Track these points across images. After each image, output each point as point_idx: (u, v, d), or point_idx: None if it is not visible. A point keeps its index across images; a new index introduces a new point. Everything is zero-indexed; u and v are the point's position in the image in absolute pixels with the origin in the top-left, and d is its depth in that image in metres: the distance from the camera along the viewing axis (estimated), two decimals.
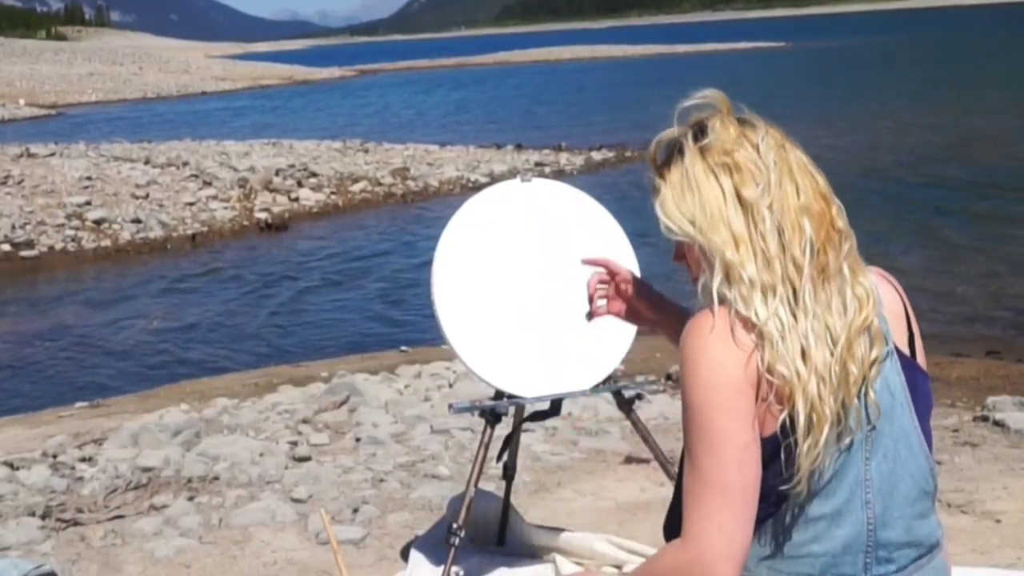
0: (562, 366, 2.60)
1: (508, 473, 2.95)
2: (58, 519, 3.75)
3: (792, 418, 1.62)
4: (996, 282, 9.48)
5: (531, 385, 2.57)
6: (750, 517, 1.60)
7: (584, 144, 21.49)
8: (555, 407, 2.79)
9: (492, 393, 2.63)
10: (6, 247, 12.90)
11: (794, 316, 1.65)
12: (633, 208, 14.00)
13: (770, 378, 1.62)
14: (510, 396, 2.58)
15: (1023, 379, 6.64)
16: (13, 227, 13.28)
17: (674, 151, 1.80)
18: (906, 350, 1.79)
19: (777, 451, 1.62)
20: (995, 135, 19.56)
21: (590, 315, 2.18)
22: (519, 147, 21.37)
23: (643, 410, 4.89)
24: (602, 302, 2.21)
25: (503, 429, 3.10)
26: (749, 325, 1.65)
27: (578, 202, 2.79)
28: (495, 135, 24.31)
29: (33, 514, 3.80)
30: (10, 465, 4.56)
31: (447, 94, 46.28)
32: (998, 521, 3.35)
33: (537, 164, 18.65)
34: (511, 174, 14.92)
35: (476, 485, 2.62)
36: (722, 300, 1.67)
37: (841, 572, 1.65)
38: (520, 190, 2.76)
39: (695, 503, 1.61)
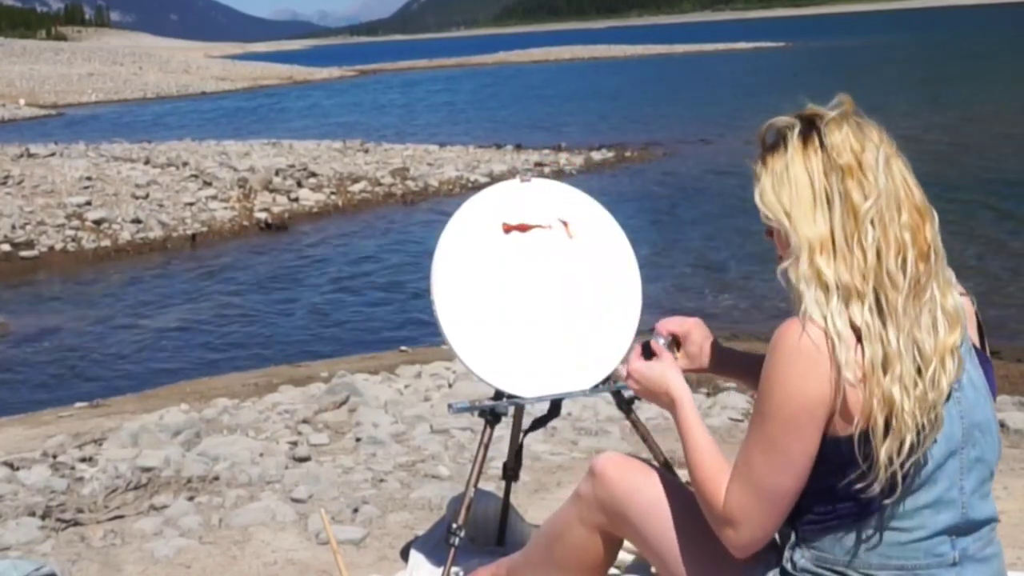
0: (562, 366, 2.60)
1: (508, 473, 2.95)
2: (58, 519, 3.75)
3: (871, 426, 1.71)
4: (996, 282, 9.49)
5: (531, 385, 2.57)
6: (781, 515, 1.79)
7: (584, 144, 21.48)
8: (555, 407, 2.79)
9: (492, 393, 2.63)
10: (6, 247, 12.90)
11: (883, 325, 1.71)
12: (633, 208, 14.01)
13: (847, 385, 1.70)
14: (510, 396, 2.58)
15: (1023, 379, 6.64)
16: (13, 227, 13.28)
17: (781, 140, 1.83)
18: (977, 342, 1.90)
19: (854, 453, 1.72)
20: (995, 135, 19.57)
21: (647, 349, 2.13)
22: (519, 147, 21.36)
23: (643, 410, 4.90)
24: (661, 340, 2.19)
25: (503, 429, 3.10)
26: (824, 331, 1.71)
27: (577, 202, 2.79)
28: (495, 135, 24.31)
29: (33, 514, 3.80)
30: (10, 465, 4.56)
31: (447, 94, 46.26)
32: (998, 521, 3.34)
33: (537, 164, 18.65)
34: (511, 174, 14.92)
35: (476, 485, 2.62)
36: (799, 297, 1.74)
37: (938, 552, 1.78)
38: (519, 190, 2.76)
39: (741, 493, 1.80)
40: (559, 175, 17.01)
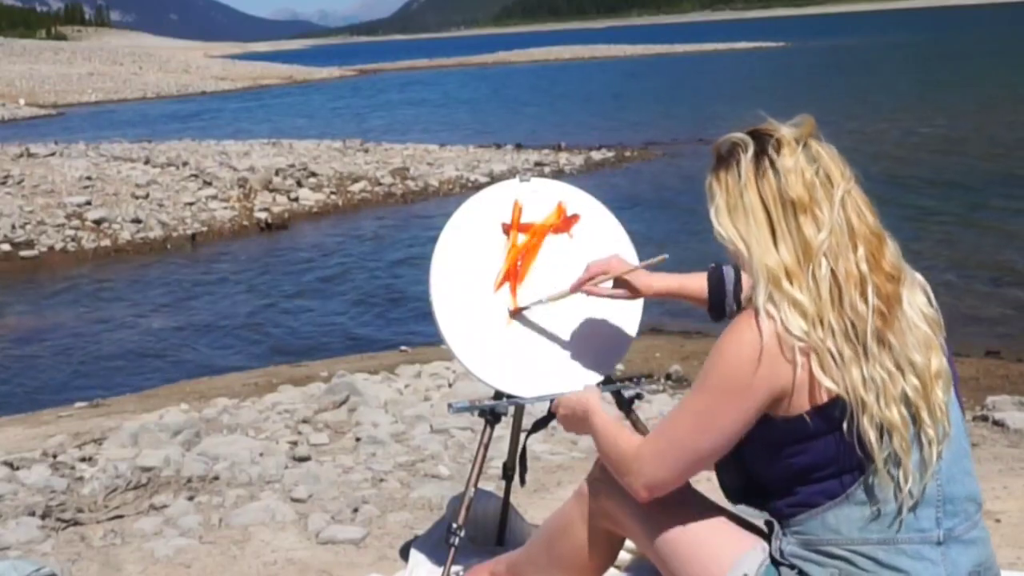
0: (561, 366, 2.60)
1: (508, 473, 2.94)
2: (58, 519, 3.75)
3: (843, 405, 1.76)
4: (996, 282, 9.49)
5: (530, 385, 2.56)
6: (685, 471, 1.92)
7: (584, 144, 21.48)
8: None
9: (492, 393, 2.63)
10: (6, 247, 12.91)
11: (855, 351, 1.75)
12: (633, 207, 14.01)
13: (802, 370, 1.76)
14: (509, 396, 2.57)
15: (1023, 379, 6.64)
16: (13, 227, 13.29)
17: (734, 160, 1.85)
18: None
19: (832, 425, 1.77)
20: (994, 135, 19.56)
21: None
22: (519, 147, 21.37)
23: (643, 410, 4.90)
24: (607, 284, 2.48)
25: (503, 429, 3.10)
26: (794, 339, 1.76)
27: (578, 202, 2.79)
28: (495, 135, 24.30)
29: (33, 514, 3.80)
30: (10, 465, 4.56)
31: (447, 93, 46.25)
32: (998, 521, 3.35)
33: (537, 164, 18.66)
34: (510, 174, 14.93)
35: (476, 485, 2.62)
36: (768, 315, 1.77)
37: (920, 527, 1.81)
38: (519, 190, 2.76)
39: (662, 443, 1.91)
40: (559, 175, 17.01)
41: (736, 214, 1.82)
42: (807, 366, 1.75)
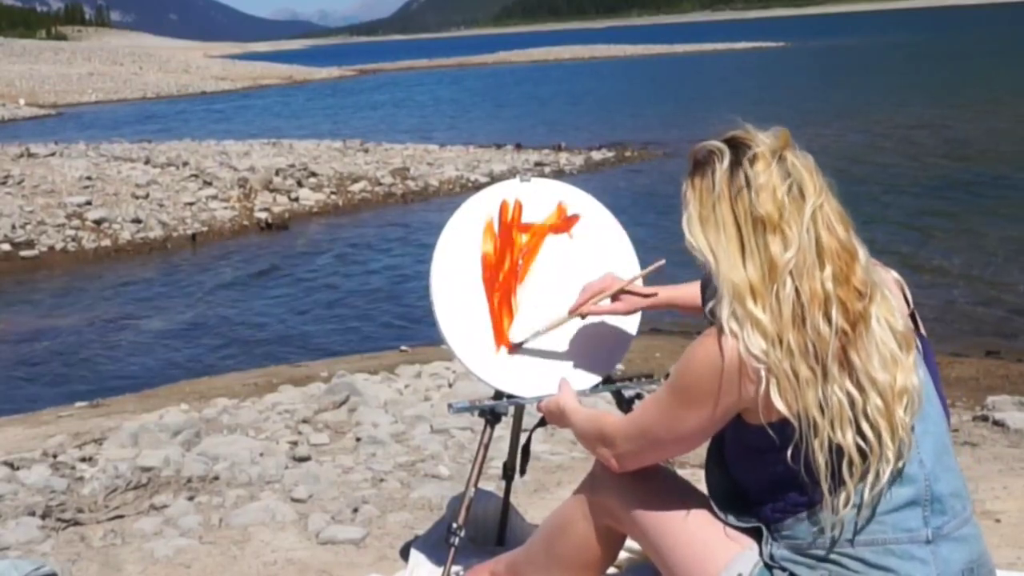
0: (561, 366, 2.60)
1: (508, 473, 2.95)
2: (58, 519, 3.75)
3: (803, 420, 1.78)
4: (996, 282, 9.48)
5: (530, 385, 2.56)
6: (660, 455, 2.05)
7: (584, 144, 21.48)
8: None
9: (492, 393, 2.63)
10: (6, 247, 12.90)
11: (813, 372, 1.76)
12: (633, 208, 14.00)
13: (762, 389, 1.78)
14: (509, 396, 2.57)
15: (1023, 379, 6.64)
16: (13, 227, 13.28)
17: (710, 169, 1.85)
18: (909, 319, 1.92)
19: (786, 443, 1.79)
20: (995, 135, 19.56)
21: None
22: (519, 147, 21.36)
23: None
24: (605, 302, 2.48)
25: (503, 429, 3.10)
26: (754, 358, 1.77)
27: (578, 202, 2.79)
28: (495, 135, 24.30)
29: (33, 514, 3.80)
30: (10, 465, 4.56)
31: (447, 93, 46.24)
32: (998, 521, 3.35)
33: (537, 164, 18.65)
34: (510, 174, 14.93)
35: (476, 485, 2.62)
36: (732, 333, 1.78)
37: (907, 526, 1.81)
38: (519, 190, 2.76)
39: (634, 426, 2.01)
40: (559, 175, 17.01)
41: (707, 226, 1.82)
42: (766, 385, 1.76)
